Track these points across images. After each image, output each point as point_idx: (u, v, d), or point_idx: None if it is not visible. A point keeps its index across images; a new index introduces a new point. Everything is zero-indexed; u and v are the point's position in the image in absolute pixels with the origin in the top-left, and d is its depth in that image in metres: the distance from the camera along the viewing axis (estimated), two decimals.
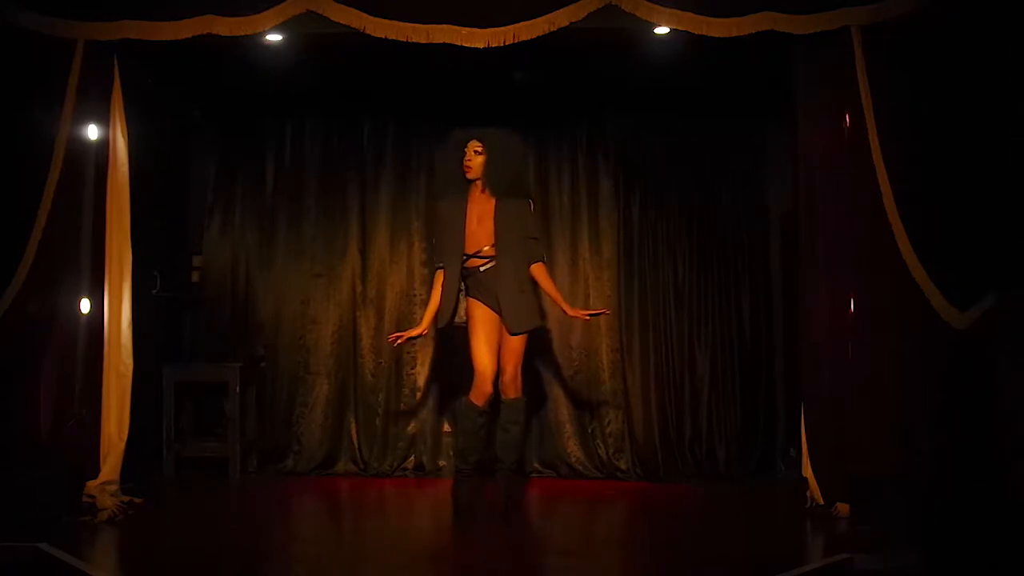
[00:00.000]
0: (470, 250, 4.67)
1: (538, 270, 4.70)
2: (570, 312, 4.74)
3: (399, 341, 4.74)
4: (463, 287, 4.74)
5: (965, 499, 3.83)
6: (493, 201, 4.68)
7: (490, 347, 4.57)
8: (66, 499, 4.47)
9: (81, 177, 4.76)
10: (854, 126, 4.63)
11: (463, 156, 4.68)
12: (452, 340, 5.74)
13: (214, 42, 4.72)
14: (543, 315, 4.88)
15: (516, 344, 4.62)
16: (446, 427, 6.06)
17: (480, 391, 4.55)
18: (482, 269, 4.65)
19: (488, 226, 4.65)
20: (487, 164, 4.67)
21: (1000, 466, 3.90)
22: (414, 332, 4.79)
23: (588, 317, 4.85)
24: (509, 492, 4.74)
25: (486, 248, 4.65)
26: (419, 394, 6.14)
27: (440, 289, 4.71)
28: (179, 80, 5.79)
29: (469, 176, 4.69)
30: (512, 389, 4.63)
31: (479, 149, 4.67)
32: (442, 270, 4.72)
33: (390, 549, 4.23)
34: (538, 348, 5.97)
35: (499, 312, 4.60)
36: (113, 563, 4.10)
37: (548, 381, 6.07)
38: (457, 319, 4.79)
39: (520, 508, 5.02)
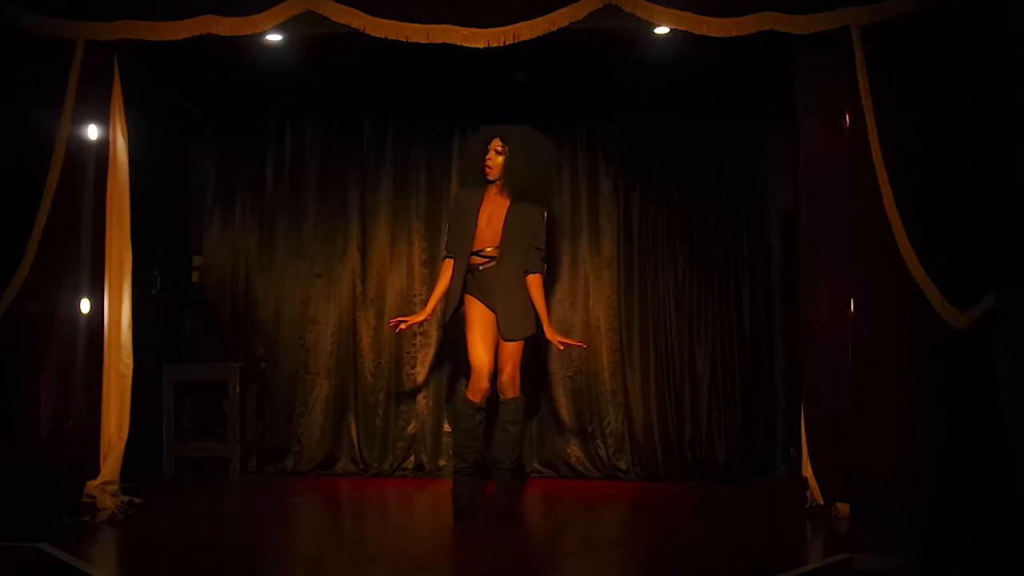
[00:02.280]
0: (476, 247, 4.66)
1: (532, 281, 4.63)
2: (547, 333, 4.64)
3: (401, 327, 4.75)
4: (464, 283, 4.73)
5: (965, 499, 3.83)
6: (507, 203, 4.67)
7: (486, 344, 4.57)
8: (66, 499, 4.47)
9: (81, 177, 4.76)
10: (854, 126, 4.63)
11: (485, 154, 4.67)
12: (453, 340, 5.74)
13: (214, 42, 4.72)
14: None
15: (514, 345, 4.62)
16: (446, 427, 6.06)
17: (476, 388, 4.55)
18: (481, 268, 4.65)
19: (496, 227, 4.64)
20: (507, 165, 4.65)
21: (1000, 466, 3.90)
22: (417, 318, 4.83)
23: (562, 346, 4.73)
24: (508, 492, 4.74)
25: (489, 249, 4.65)
26: (419, 394, 6.14)
27: (448, 279, 4.70)
28: (179, 80, 5.80)
29: (489, 176, 4.68)
30: (511, 389, 4.63)
31: (500, 148, 4.65)
32: (451, 260, 4.72)
33: (390, 549, 4.23)
34: (538, 348, 5.97)
35: (495, 310, 4.60)
36: (113, 563, 4.10)
37: (548, 381, 6.08)
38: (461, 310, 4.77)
39: (519, 508, 5.02)
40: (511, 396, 4.64)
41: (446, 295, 4.73)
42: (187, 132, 6.31)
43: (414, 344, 6.11)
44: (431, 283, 6.14)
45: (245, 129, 6.34)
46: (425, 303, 6.09)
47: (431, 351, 6.13)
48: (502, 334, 4.59)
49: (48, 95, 4.69)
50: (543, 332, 4.66)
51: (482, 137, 4.73)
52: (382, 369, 6.16)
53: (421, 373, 6.15)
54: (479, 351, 4.56)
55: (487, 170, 4.67)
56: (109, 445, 4.78)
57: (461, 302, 4.71)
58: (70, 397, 4.68)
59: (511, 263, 4.61)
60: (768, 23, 4.56)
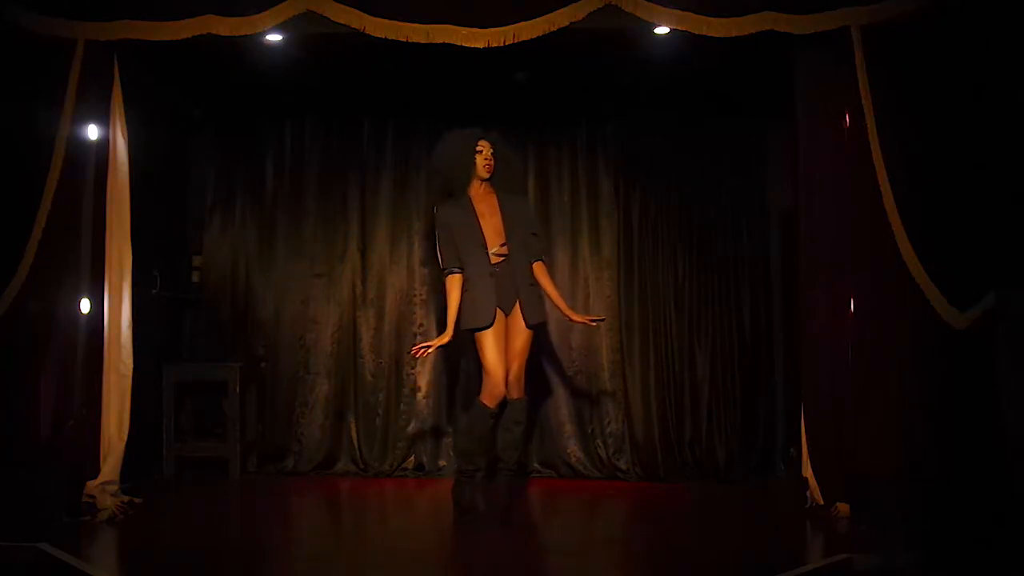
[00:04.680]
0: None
1: (541, 269, 4.72)
2: (573, 316, 4.75)
3: (426, 352, 4.61)
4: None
5: (965, 499, 3.83)
6: (495, 198, 4.68)
7: (499, 348, 4.54)
8: (66, 499, 4.47)
9: (81, 177, 4.76)
10: (854, 126, 4.63)
11: (477, 154, 4.63)
12: (453, 340, 5.73)
13: (214, 42, 4.72)
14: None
15: (522, 344, 4.60)
16: (447, 427, 6.06)
17: (492, 393, 4.50)
18: (497, 268, 4.61)
19: (496, 223, 4.63)
20: (498, 164, 4.69)
21: (1000, 466, 3.90)
22: (442, 340, 4.61)
23: (593, 323, 4.87)
24: (509, 492, 4.74)
25: (497, 246, 4.62)
26: (419, 394, 6.14)
27: (459, 294, 4.60)
28: (179, 80, 5.80)
29: (486, 175, 4.66)
30: (516, 389, 4.61)
31: (494, 149, 4.66)
32: (457, 274, 4.61)
33: (390, 549, 4.23)
34: (538, 348, 5.96)
35: (507, 311, 4.58)
36: (113, 563, 4.10)
37: (548, 381, 6.08)
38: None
39: (520, 508, 5.02)
40: (516, 397, 4.61)
41: (478, 306, 4.55)
42: (187, 132, 6.32)
43: (414, 344, 6.08)
44: (431, 283, 6.14)
45: (245, 129, 6.34)
46: (426, 303, 6.17)
47: (431, 351, 6.10)
48: (526, 319, 4.59)
49: (48, 95, 4.69)
50: (562, 319, 4.76)
51: (466, 140, 4.68)
52: (382, 369, 6.16)
53: (421, 373, 6.15)
54: (494, 356, 4.52)
55: (485, 169, 4.65)
56: (109, 445, 4.78)
57: (496, 309, 4.56)
58: (70, 397, 4.68)
59: (519, 254, 4.64)
60: (768, 23, 4.57)
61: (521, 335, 4.61)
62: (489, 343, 4.54)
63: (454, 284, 4.62)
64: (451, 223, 4.67)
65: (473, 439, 4.64)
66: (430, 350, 4.62)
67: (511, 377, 4.59)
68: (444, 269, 4.69)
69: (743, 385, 6.00)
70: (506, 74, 5.58)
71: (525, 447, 5.71)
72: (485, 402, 4.53)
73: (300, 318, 6.22)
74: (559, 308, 4.78)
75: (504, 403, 4.58)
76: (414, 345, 6.00)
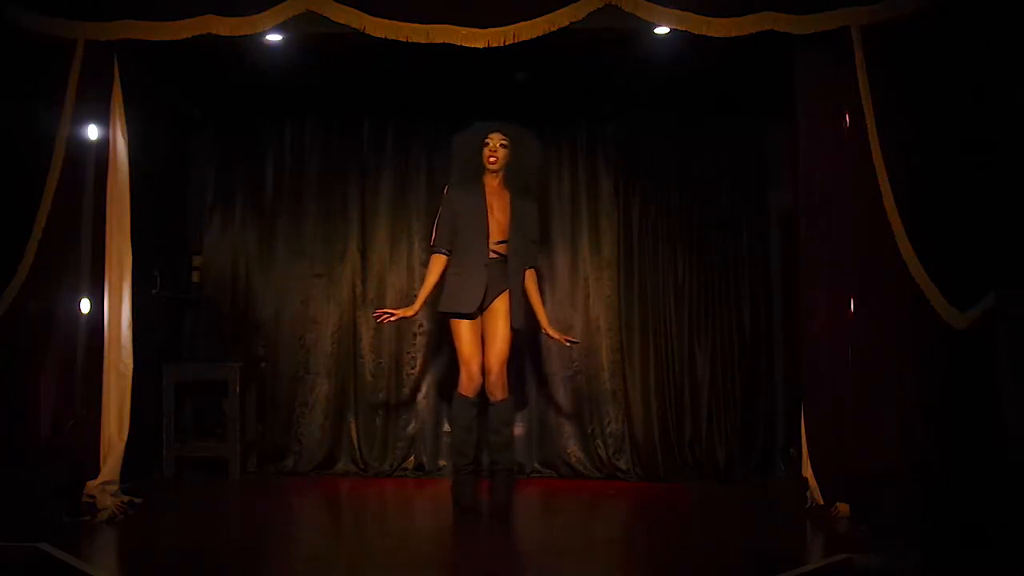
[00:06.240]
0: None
1: (531, 276, 4.75)
2: (550, 331, 4.77)
3: (390, 319, 4.66)
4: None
5: (965, 499, 3.83)
6: (507, 196, 4.69)
7: (476, 339, 4.61)
8: (66, 499, 4.47)
9: (81, 177, 4.76)
10: (854, 126, 4.63)
11: (485, 146, 4.66)
12: (452, 340, 5.74)
13: (214, 42, 4.72)
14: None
15: (500, 347, 4.61)
16: (446, 427, 6.06)
17: (469, 383, 4.57)
18: (492, 260, 4.63)
19: (503, 221, 4.65)
20: (509, 158, 4.68)
21: (1000, 466, 3.90)
22: (407, 313, 4.69)
23: (568, 343, 4.85)
24: (508, 492, 4.75)
25: (498, 243, 4.64)
26: (419, 394, 6.14)
27: (437, 275, 4.65)
28: (179, 80, 5.80)
29: (493, 168, 4.67)
30: (500, 390, 4.62)
31: (504, 142, 4.66)
32: (444, 256, 4.65)
33: (390, 549, 4.23)
34: (538, 348, 5.98)
35: (486, 307, 4.59)
36: (113, 563, 4.09)
37: (548, 381, 6.08)
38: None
39: (519, 508, 5.02)
40: (501, 398, 4.63)
41: (470, 294, 4.59)
42: (187, 132, 6.32)
43: (414, 344, 6.11)
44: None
45: (245, 129, 6.34)
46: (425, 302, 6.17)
47: (431, 351, 6.13)
48: (513, 320, 4.63)
49: (48, 95, 4.69)
50: (560, 320, 4.70)
51: (479, 131, 4.71)
52: (382, 369, 6.16)
53: (421, 373, 6.15)
54: (470, 347, 4.59)
55: (490, 162, 4.66)
56: (109, 445, 4.78)
57: (485, 300, 4.62)
58: (70, 397, 4.68)
59: (516, 256, 4.65)
60: (768, 23, 4.57)
61: (499, 338, 4.62)
62: (466, 333, 4.59)
63: (437, 264, 4.67)
64: (458, 207, 4.67)
65: (459, 431, 4.67)
66: (393, 318, 4.66)
67: (493, 377, 4.61)
68: (433, 246, 4.73)
69: (743, 385, 6.00)
70: (506, 74, 5.58)
71: (523, 447, 5.72)
72: (463, 393, 4.59)
73: (300, 318, 6.22)
74: (538, 318, 4.80)
75: (483, 392, 4.62)
76: (412, 344, 6.08)
